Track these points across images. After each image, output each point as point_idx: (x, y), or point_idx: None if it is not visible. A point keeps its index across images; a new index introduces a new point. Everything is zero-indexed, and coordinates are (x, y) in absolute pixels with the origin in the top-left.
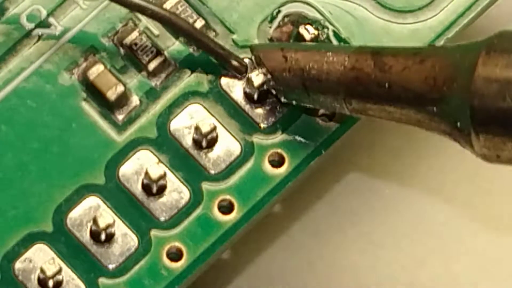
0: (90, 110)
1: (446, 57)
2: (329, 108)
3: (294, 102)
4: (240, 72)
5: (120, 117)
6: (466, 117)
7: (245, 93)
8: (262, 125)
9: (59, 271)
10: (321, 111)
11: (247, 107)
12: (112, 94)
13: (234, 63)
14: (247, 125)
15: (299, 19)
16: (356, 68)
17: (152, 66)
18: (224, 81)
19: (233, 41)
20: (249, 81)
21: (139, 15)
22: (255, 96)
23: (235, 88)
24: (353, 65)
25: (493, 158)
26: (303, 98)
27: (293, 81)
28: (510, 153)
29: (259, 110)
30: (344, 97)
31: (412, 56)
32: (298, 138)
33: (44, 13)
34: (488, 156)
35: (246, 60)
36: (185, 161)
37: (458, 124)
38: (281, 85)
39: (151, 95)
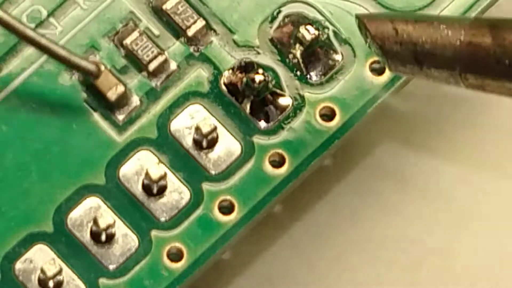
0: (91, 110)
1: None
2: (442, 82)
3: (404, 75)
4: (93, 75)
5: (120, 117)
6: None
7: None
8: (262, 126)
9: (59, 272)
10: None
11: (247, 108)
12: (112, 95)
13: (85, 66)
14: (248, 126)
15: (300, 20)
16: (473, 43)
17: (152, 66)
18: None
19: (234, 41)
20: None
21: (139, 15)
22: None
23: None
24: (470, 40)
25: None
26: (416, 72)
27: (405, 54)
28: None
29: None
30: (460, 73)
31: None
32: (298, 138)
33: (44, 13)
34: None
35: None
36: (185, 161)
37: None
38: (391, 57)
39: (152, 95)
